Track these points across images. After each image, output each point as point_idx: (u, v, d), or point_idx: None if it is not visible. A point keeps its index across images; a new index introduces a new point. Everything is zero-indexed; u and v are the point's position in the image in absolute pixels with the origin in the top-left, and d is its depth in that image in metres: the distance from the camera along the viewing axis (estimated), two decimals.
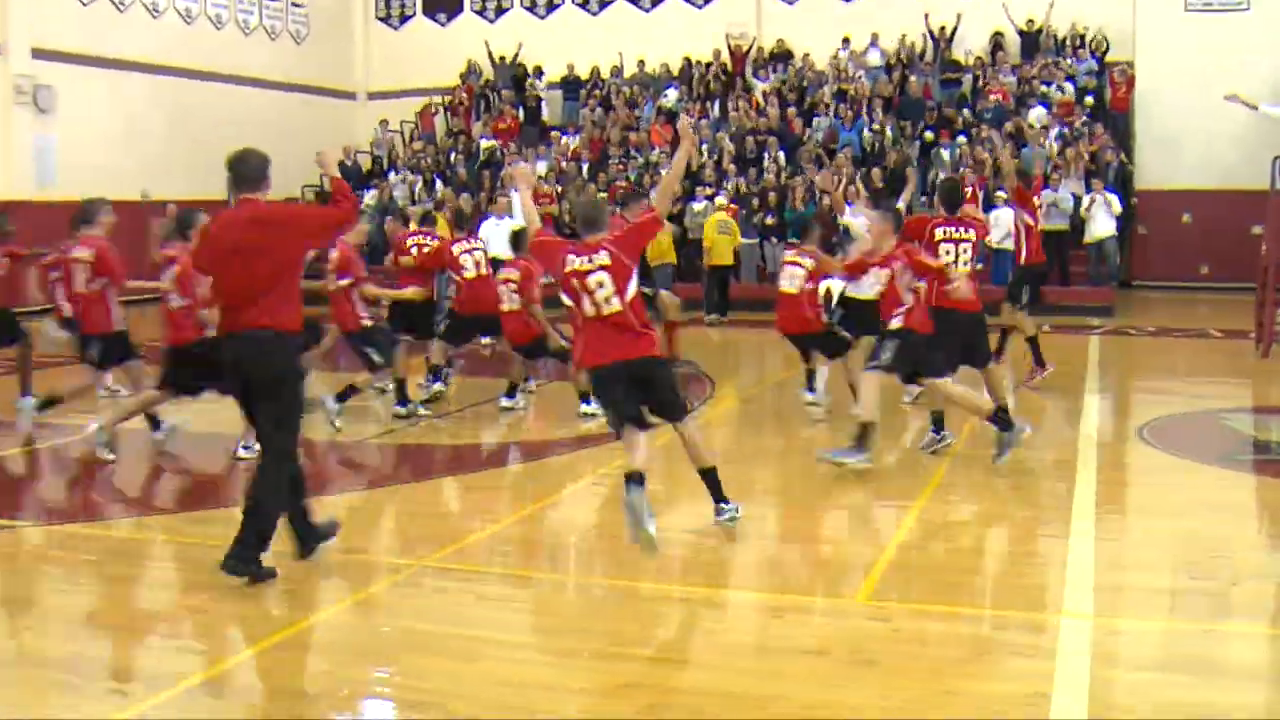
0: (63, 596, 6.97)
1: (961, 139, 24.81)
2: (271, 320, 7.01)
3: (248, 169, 7.27)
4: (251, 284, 7.01)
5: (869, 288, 10.95)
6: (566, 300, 7.75)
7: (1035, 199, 13.47)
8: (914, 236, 10.48)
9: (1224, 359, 16.35)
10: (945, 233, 10.47)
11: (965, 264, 10.48)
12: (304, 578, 7.23)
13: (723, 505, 8.04)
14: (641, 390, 7.73)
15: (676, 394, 8.11)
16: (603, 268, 7.58)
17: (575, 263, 7.64)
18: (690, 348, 15.09)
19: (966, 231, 10.57)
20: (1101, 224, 21.74)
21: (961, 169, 23.42)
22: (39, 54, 24.01)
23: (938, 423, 10.23)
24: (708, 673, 5.73)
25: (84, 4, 25.20)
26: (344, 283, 11.84)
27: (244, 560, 6.89)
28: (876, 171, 23.20)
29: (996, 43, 27.44)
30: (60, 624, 6.53)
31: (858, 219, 13.05)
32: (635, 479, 7.22)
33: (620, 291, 7.59)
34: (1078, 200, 22.02)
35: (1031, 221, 13.23)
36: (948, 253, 10.38)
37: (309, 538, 7.38)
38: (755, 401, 12.90)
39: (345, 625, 6.52)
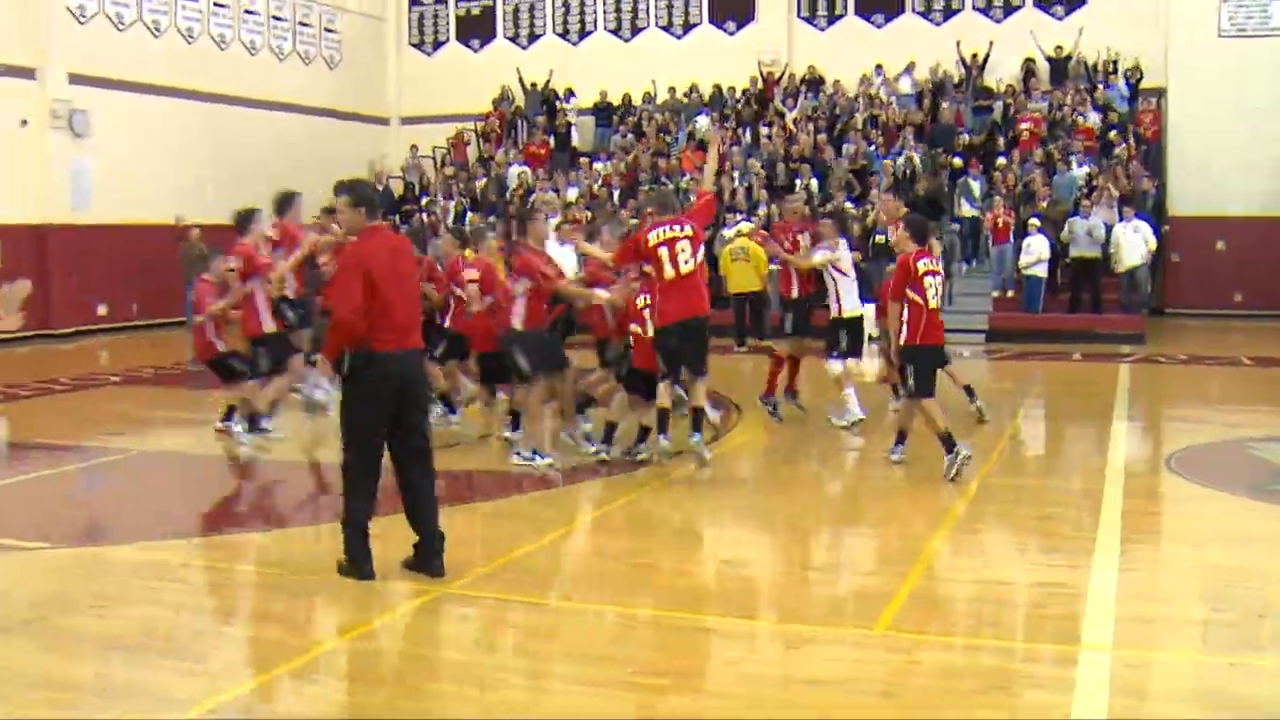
0: (85, 618, 7.02)
1: (1001, 160, 24.80)
2: (421, 340, 7.87)
3: (379, 197, 7.80)
4: (416, 306, 7.87)
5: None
6: (648, 269, 10.16)
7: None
8: (901, 276, 10.61)
9: (1256, 388, 16.24)
10: (927, 265, 10.58)
11: (940, 297, 10.72)
12: (325, 602, 7.26)
13: (697, 434, 10.24)
14: (695, 344, 10.20)
15: (707, 352, 10.47)
16: (686, 237, 10.03)
17: (665, 232, 10.02)
18: (719, 375, 15.02)
19: (938, 264, 10.84)
20: (1133, 252, 21.63)
21: (994, 195, 23.39)
22: (75, 79, 24.27)
23: (948, 444, 10.27)
24: (726, 702, 5.71)
25: (119, 30, 25.47)
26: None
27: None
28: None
29: (1029, 69, 27.42)
30: (83, 645, 6.58)
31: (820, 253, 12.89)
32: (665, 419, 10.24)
33: (695, 254, 10.04)
34: (1109, 228, 21.91)
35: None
36: (931, 285, 10.52)
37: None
38: (779, 430, 12.86)
39: (366, 651, 6.53)
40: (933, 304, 10.54)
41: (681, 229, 10.07)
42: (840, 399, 12.80)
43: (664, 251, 9.97)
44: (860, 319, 12.97)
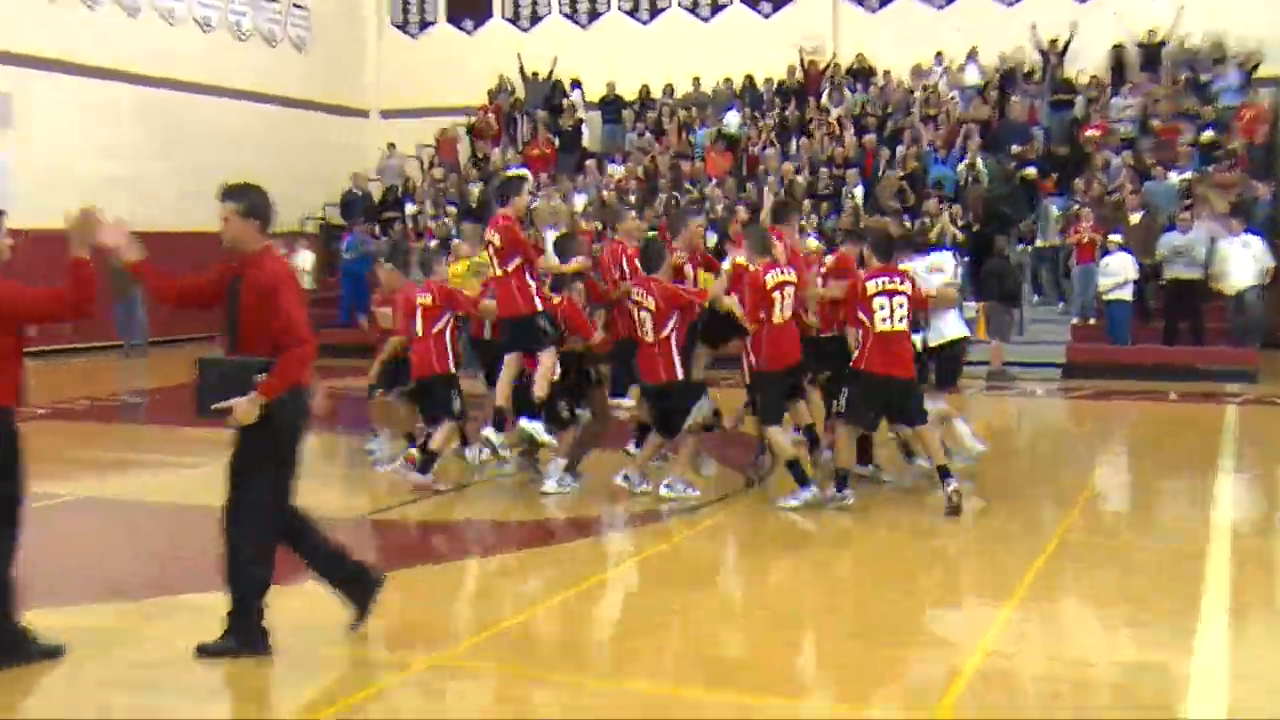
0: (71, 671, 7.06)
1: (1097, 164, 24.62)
2: None
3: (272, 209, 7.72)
4: None
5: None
6: (762, 312, 11.34)
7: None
8: (851, 295, 11.29)
9: None
10: (878, 285, 11.07)
11: (901, 320, 11.02)
12: (290, 675, 7.24)
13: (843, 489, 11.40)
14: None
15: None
16: (791, 283, 11.45)
17: (780, 275, 11.41)
18: None
19: (902, 283, 11.17)
20: (1243, 272, 21.40)
21: (1078, 205, 23.13)
22: None
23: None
24: None
25: (48, 1, 25.60)
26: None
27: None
28: (956, 208, 23.19)
29: (1118, 58, 27.28)
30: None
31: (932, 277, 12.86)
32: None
33: (796, 299, 11.57)
34: (1212, 244, 21.59)
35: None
36: (882, 307, 10.94)
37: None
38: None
39: None
40: (881, 327, 10.93)
41: (788, 273, 11.55)
42: (952, 436, 12.56)
43: (778, 294, 11.38)
44: (955, 344, 12.84)
